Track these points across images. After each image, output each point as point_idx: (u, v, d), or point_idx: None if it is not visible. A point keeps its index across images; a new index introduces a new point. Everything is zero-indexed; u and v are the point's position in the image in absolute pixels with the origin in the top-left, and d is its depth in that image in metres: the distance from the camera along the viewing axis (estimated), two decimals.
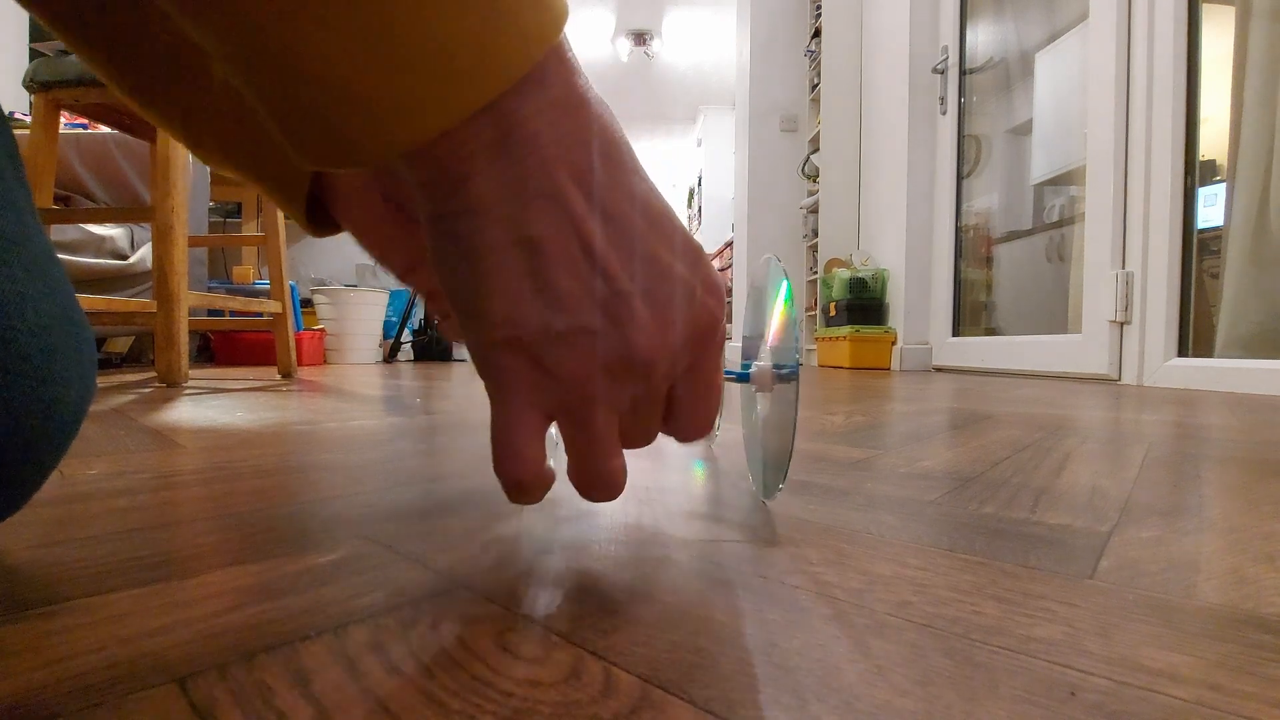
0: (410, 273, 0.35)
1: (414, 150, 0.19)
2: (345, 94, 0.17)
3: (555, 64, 0.20)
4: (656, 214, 0.23)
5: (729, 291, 3.77)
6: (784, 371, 0.34)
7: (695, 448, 0.55)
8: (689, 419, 0.26)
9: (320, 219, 0.34)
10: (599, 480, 0.24)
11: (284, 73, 0.17)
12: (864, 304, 2.68)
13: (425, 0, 0.16)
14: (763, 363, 0.36)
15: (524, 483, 0.23)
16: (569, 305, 0.21)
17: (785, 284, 0.35)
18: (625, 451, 0.25)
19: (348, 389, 1.30)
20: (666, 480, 0.43)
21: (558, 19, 0.19)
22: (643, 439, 0.25)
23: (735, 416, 0.72)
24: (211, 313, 2.34)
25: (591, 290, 0.21)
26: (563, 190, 0.20)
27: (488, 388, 0.23)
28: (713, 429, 0.56)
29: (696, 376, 0.25)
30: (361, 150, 0.18)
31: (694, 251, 0.24)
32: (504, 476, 0.23)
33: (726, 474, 0.45)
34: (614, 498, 0.25)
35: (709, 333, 0.24)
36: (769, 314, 0.37)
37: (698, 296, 0.23)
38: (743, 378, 0.36)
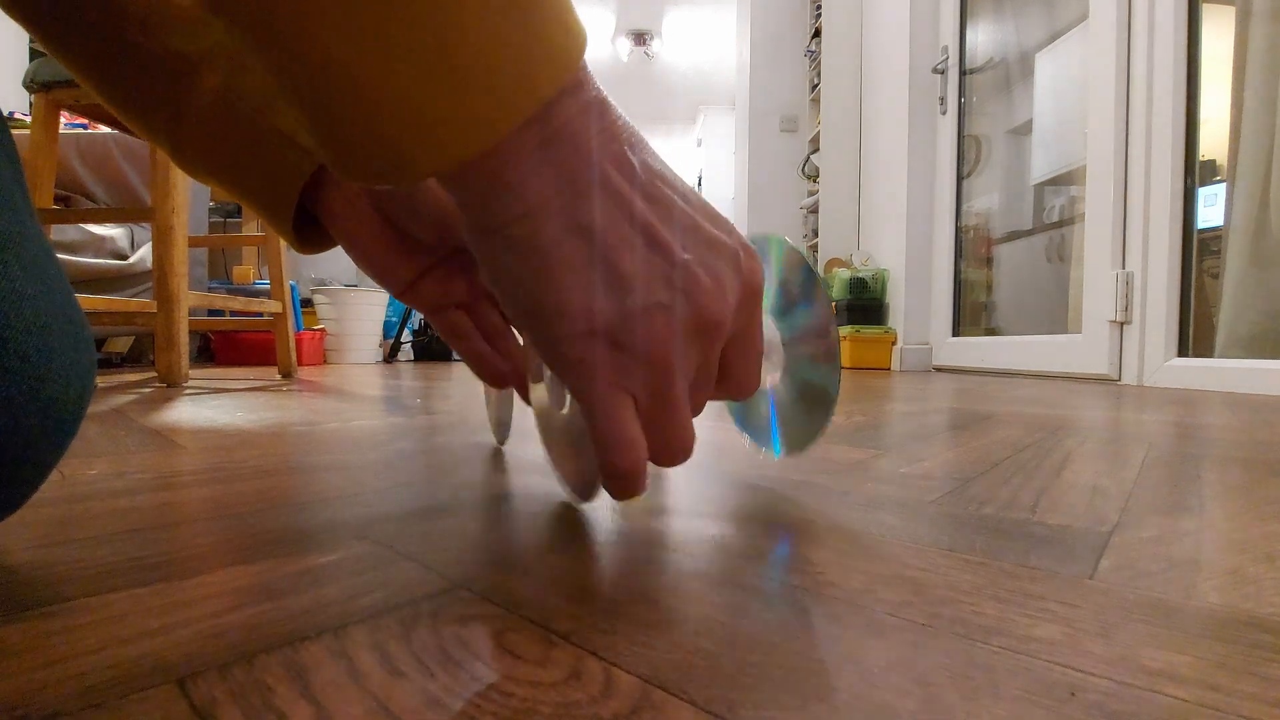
0: (410, 290, 0.35)
1: (465, 164, 0.20)
2: (402, 110, 0.18)
3: (583, 72, 0.22)
4: (687, 192, 0.24)
5: None
6: (803, 327, 0.35)
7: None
8: (742, 378, 0.27)
9: (310, 236, 0.34)
10: (680, 445, 0.25)
11: (339, 89, 0.17)
12: (864, 304, 2.68)
13: (474, 21, 0.17)
14: (770, 332, 0.37)
15: (640, 469, 0.23)
16: (638, 284, 0.22)
17: (780, 246, 0.36)
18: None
19: (348, 389, 1.30)
20: (666, 481, 0.43)
21: (584, 34, 0.21)
22: (701, 404, 0.27)
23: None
24: (212, 313, 2.34)
25: (654, 266, 0.22)
26: (608, 177, 0.22)
27: (572, 385, 0.23)
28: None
29: (745, 338, 0.26)
30: (417, 164, 0.19)
31: (725, 222, 0.25)
32: (621, 466, 0.23)
33: (725, 475, 0.45)
34: (689, 457, 0.26)
35: (757, 294, 0.26)
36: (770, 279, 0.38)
37: (743, 260, 0.25)
38: None
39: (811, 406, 0.37)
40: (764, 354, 0.37)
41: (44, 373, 0.22)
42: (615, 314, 0.22)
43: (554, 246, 0.21)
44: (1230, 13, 1.60)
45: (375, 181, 0.19)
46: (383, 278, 0.34)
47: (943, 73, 2.53)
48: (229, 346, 2.62)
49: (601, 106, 0.22)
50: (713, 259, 0.24)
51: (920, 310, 2.59)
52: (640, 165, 0.22)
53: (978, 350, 2.34)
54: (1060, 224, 2.13)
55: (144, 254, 2.06)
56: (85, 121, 2.01)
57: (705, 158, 5.88)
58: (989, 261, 2.48)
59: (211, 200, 2.57)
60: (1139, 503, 0.38)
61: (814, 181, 3.31)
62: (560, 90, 0.20)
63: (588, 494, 0.32)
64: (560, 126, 0.21)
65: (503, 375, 0.39)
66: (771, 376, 0.39)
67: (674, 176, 0.24)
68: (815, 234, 3.23)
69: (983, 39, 2.48)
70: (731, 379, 0.27)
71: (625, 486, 0.24)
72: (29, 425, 0.22)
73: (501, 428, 0.56)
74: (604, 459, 0.23)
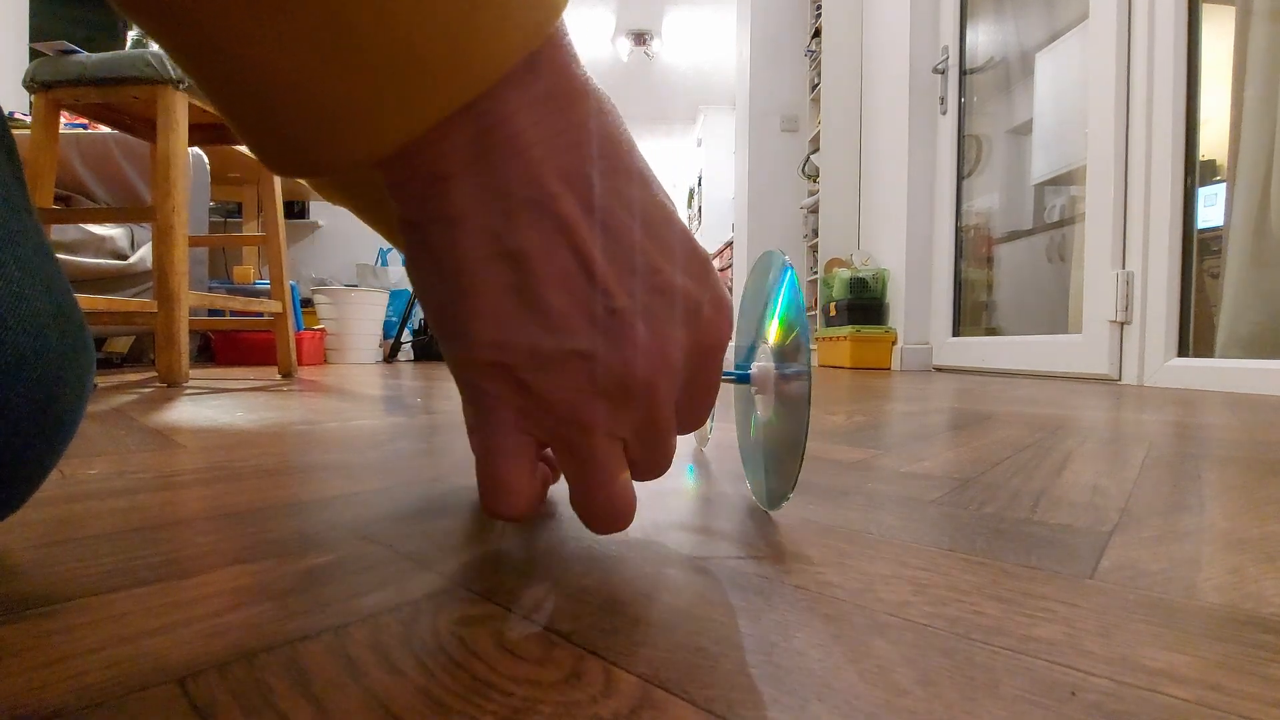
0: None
1: (381, 158, 0.17)
2: (296, 98, 0.15)
3: (548, 53, 0.17)
4: (658, 222, 0.20)
5: (729, 291, 3.76)
6: (790, 372, 0.32)
7: (685, 450, 0.55)
8: (682, 419, 0.24)
9: None
10: (604, 512, 0.22)
11: (228, 70, 0.15)
12: (864, 304, 2.68)
13: None
14: (764, 363, 0.34)
15: (517, 517, 0.21)
16: (560, 325, 0.19)
17: (788, 272, 0.33)
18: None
19: (348, 389, 1.30)
20: (665, 481, 0.43)
21: (555, 5, 0.17)
22: (655, 468, 0.23)
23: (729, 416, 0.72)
24: (212, 313, 2.34)
25: (586, 308, 0.19)
26: (551, 196, 0.18)
27: (469, 414, 0.21)
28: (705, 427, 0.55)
29: (695, 385, 0.23)
30: (320, 160, 0.16)
31: (701, 263, 0.22)
32: (491, 513, 0.21)
33: (721, 476, 0.45)
34: (623, 528, 0.23)
35: (711, 351, 0.22)
36: (771, 307, 0.35)
37: (704, 314, 0.21)
38: (742, 379, 0.34)
39: (787, 454, 0.33)
40: (755, 392, 0.35)
41: (41, 374, 0.22)
42: (527, 353, 0.19)
43: (471, 265, 0.18)
44: (1230, 13, 1.60)
45: (288, 174, 0.17)
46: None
47: (943, 73, 2.53)
48: (229, 346, 2.62)
49: (563, 102, 0.18)
50: (662, 308, 0.20)
51: (920, 310, 2.59)
52: (602, 185, 0.19)
53: (978, 350, 2.34)
54: (1060, 224, 2.13)
55: (144, 254, 2.06)
56: (85, 121, 2.01)
57: (705, 158, 5.88)
58: (989, 261, 2.48)
59: (211, 200, 2.57)
60: (1139, 503, 0.38)
61: (814, 181, 3.31)
62: (503, 77, 0.16)
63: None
64: (498, 125, 0.17)
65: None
66: (764, 412, 0.36)
67: (649, 200, 0.20)
68: (815, 234, 3.22)
69: (983, 39, 2.48)
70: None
71: (497, 518, 0.22)
72: (26, 427, 0.22)
73: None
74: (481, 500, 0.21)
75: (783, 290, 0.33)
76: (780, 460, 0.33)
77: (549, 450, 0.26)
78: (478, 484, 0.21)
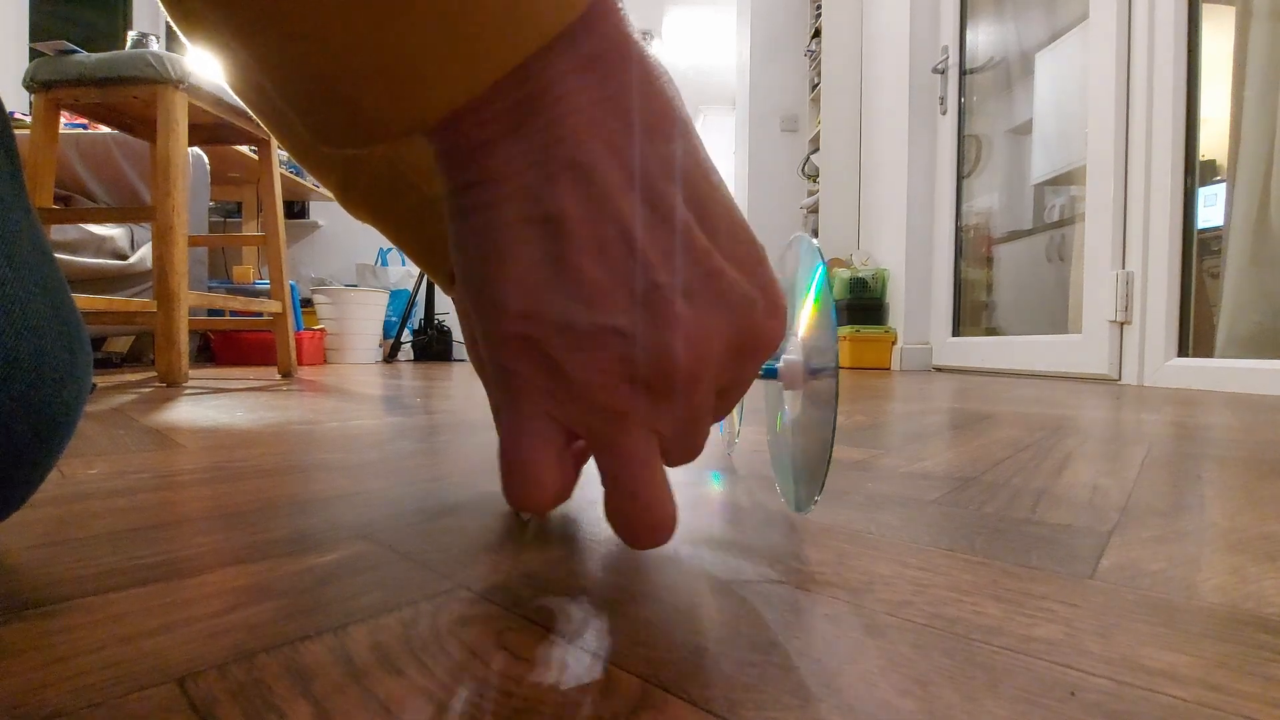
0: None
1: (435, 124, 0.16)
2: (352, 62, 0.15)
3: (599, 13, 0.17)
4: (708, 201, 0.19)
5: None
6: (818, 368, 0.30)
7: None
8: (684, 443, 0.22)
9: None
10: (641, 520, 0.20)
11: (284, 35, 0.15)
12: (864, 304, 2.68)
13: None
14: (793, 356, 0.32)
15: (539, 509, 0.19)
16: (596, 298, 0.17)
17: (820, 268, 0.31)
18: None
19: (348, 389, 1.30)
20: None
21: None
22: (683, 457, 0.22)
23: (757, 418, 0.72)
24: (211, 313, 2.34)
25: (625, 281, 0.17)
26: (595, 161, 0.17)
27: (495, 395, 0.19)
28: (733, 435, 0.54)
29: (730, 382, 0.21)
30: (373, 127, 0.16)
31: (756, 256, 0.20)
32: (513, 503, 0.19)
33: (723, 473, 0.45)
34: (663, 541, 0.20)
35: (756, 353, 0.20)
36: (799, 301, 0.34)
37: (757, 313, 0.19)
38: (769, 373, 0.32)
39: (814, 467, 0.31)
40: (784, 388, 0.33)
41: (37, 375, 0.22)
42: (558, 326, 0.17)
43: (505, 228, 0.17)
44: (1230, 13, 1.60)
45: (339, 145, 0.17)
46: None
47: (943, 72, 2.53)
48: (229, 346, 2.62)
49: (614, 66, 0.17)
50: (707, 293, 0.18)
51: (920, 310, 2.59)
52: (645, 155, 0.18)
53: (978, 350, 2.34)
54: (1060, 224, 2.13)
55: (144, 254, 2.06)
56: (85, 121, 2.01)
57: None
58: (989, 261, 2.48)
59: (211, 200, 2.57)
60: (1139, 503, 0.38)
61: (814, 181, 3.31)
62: (550, 42, 0.16)
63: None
64: (545, 87, 0.16)
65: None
66: (791, 411, 0.34)
67: (701, 176, 0.19)
68: (815, 234, 3.22)
69: (983, 39, 2.48)
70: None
71: (521, 509, 0.20)
72: (23, 428, 0.22)
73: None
74: (503, 488, 0.20)
75: (818, 281, 0.31)
76: (808, 461, 0.32)
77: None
78: (500, 471, 0.20)
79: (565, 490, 0.20)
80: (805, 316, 0.33)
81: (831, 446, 0.28)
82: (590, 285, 0.17)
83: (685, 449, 0.21)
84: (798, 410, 0.33)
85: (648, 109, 0.18)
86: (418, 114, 0.16)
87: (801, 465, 0.33)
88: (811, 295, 0.32)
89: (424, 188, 0.30)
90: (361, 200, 0.31)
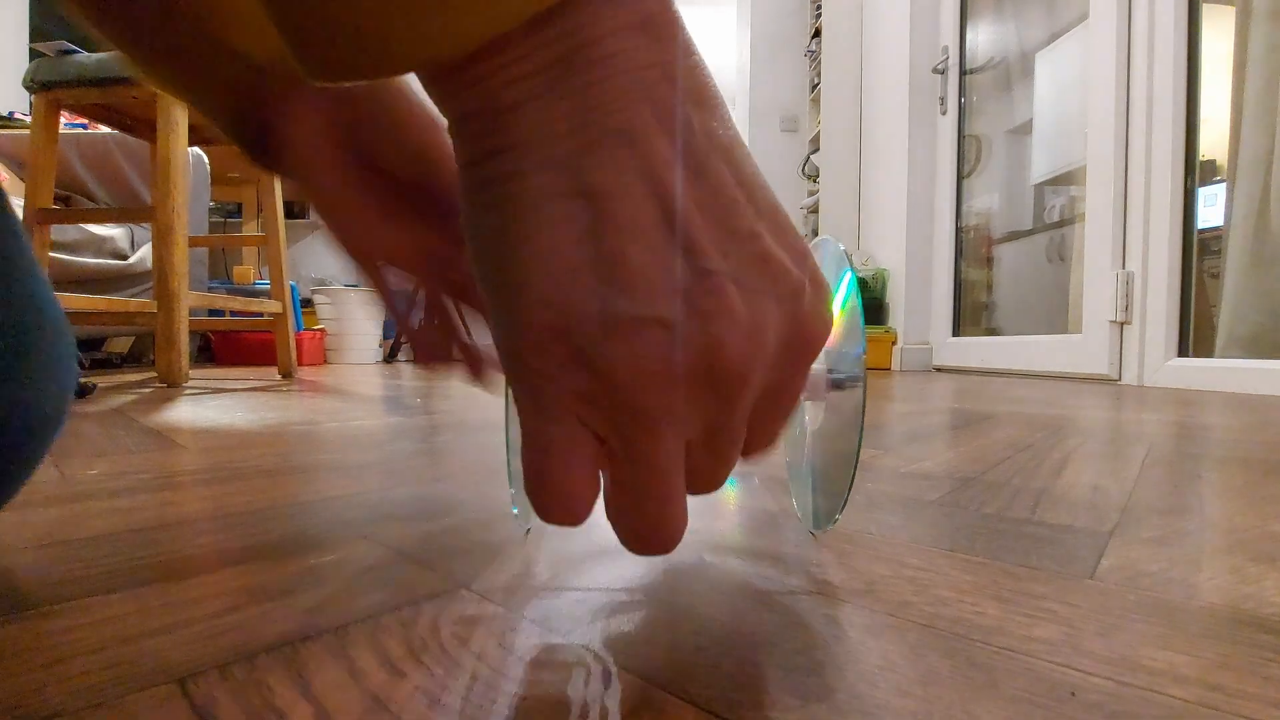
0: (370, 262, 0.28)
1: (455, 62, 0.14)
2: None
3: None
4: (753, 182, 0.17)
5: None
6: (843, 377, 0.28)
7: None
8: (756, 439, 0.19)
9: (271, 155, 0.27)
10: (652, 531, 0.18)
11: None
12: (864, 304, 2.67)
13: None
14: (818, 364, 0.30)
15: (571, 522, 0.18)
16: (638, 285, 0.15)
17: (850, 274, 0.29)
18: None
19: (348, 389, 1.30)
20: None
21: None
22: (711, 482, 0.19)
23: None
24: (212, 313, 2.34)
25: (670, 267, 0.15)
26: (641, 130, 0.15)
27: (517, 396, 0.17)
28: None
29: (778, 387, 0.18)
30: (385, 54, 0.14)
31: (798, 240, 0.18)
32: (548, 519, 0.17)
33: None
34: (668, 552, 0.18)
35: (809, 348, 0.18)
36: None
37: (805, 300, 0.17)
38: None
39: (835, 483, 0.30)
40: (808, 397, 0.30)
41: (17, 376, 0.22)
42: (594, 317, 0.15)
43: (536, 203, 0.15)
44: (1230, 13, 1.60)
45: (334, 76, 0.15)
46: (345, 238, 0.28)
47: (943, 73, 2.53)
48: (229, 346, 2.62)
49: (662, 32, 0.15)
50: (759, 281, 0.16)
51: (920, 310, 2.59)
52: (692, 127, 0.16)
53: (978, 350, 2.34)
54: (1060, 224, 2.13)
55: (144, 254, 2.06)
56: (85, 121, 2.01)
57: None
58: (989, 261, 2.48)
59: (211, 200, 2.57)
60: (1139, 503, 0.38)
61: (814, 181, 3.31)
62: None
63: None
64: (589, 44, 0.15)
65: (438, 351, 0.29)
66: (812, 421, 0.33)
67: (745, 157, 0.17)
68: (815, 234, 3.23)
69: (983, 39, 2.49)
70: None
71: (553, 521, 0.18)
72: (6, 425, 0.22)
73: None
74: (531, 500, 0.17)
75: (847, 287, 0.30)
76: (829, 476, 0.30)
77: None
78: (524, 485, 0.18)
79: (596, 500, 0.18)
80: (836, 322, 0.31)
81: (856, 464, 0.27)
82: (631, 270, 0.15)
83: (711, 469, 0.19)
84: (819, 423, 0.32)
85: (694, 81, 0.16)
86: (438, 42, 0.14)
87: (821, 482, 0.31)
88: (839, 301, 0.30)
89: (209, 30, 0.25)
90: (157, 72, 0.27)
